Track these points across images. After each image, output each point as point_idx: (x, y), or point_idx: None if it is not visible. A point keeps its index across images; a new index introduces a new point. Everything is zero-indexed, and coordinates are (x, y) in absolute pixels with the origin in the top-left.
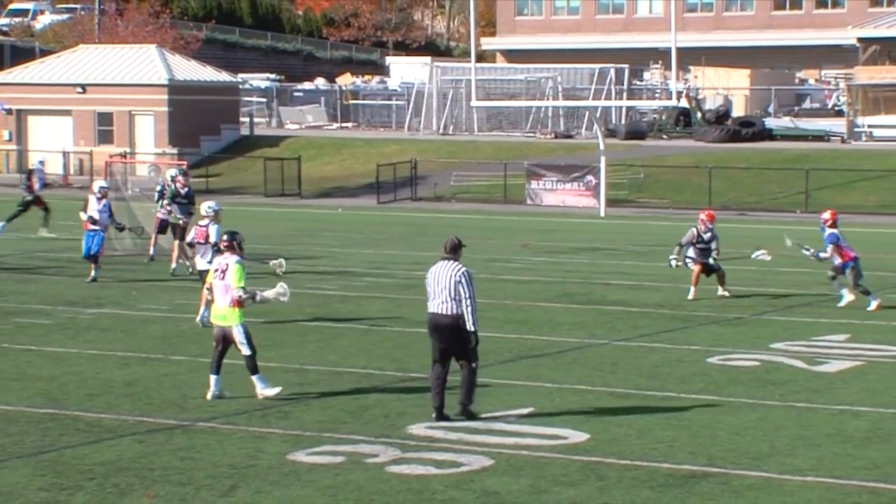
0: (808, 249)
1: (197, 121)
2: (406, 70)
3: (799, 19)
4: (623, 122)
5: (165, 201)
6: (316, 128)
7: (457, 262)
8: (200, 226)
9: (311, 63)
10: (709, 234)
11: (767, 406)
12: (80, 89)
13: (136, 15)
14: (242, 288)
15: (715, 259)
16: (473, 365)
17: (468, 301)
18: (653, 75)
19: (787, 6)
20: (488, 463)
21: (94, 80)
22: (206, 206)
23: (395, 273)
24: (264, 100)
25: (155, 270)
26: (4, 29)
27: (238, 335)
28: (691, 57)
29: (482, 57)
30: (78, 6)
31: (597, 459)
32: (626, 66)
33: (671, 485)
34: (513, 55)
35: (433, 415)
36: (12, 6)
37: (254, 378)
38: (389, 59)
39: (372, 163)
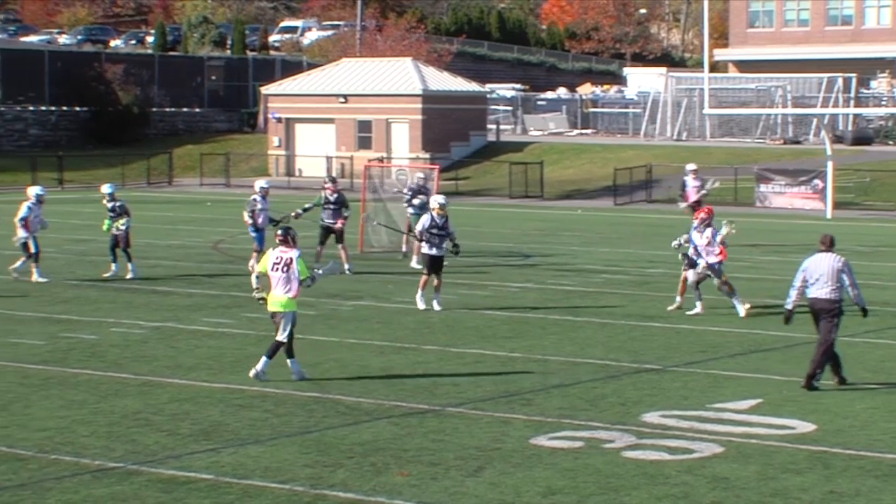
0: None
1: (448, 128)
2: (643, 80)
3: None
4: (850, 128)
5: (417, 202)
6: (557, 134)
7: (836, 254)
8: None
9: (553, 74)
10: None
11: None
12: (342, 99)
13: (394, 30)
14: (308, 277)
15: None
16: (832, 337)
17: (854, 286)
18: (880, 84)
19: None
20: (719, 450)
21: (355, 91)
22: (438, 199)
23: (630, 270)
24: (510, 108)
25: (408, 265)
26: (276, 45)
27: (285, 321)
28: None
29: (715, 67)
30: (342, 23)
31: (823, 449)
32: (853, 75)
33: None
34: (744, 65)
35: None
36: (283, 24)
37: (289, 362)
38: (627, 70)
39: (609, 167)
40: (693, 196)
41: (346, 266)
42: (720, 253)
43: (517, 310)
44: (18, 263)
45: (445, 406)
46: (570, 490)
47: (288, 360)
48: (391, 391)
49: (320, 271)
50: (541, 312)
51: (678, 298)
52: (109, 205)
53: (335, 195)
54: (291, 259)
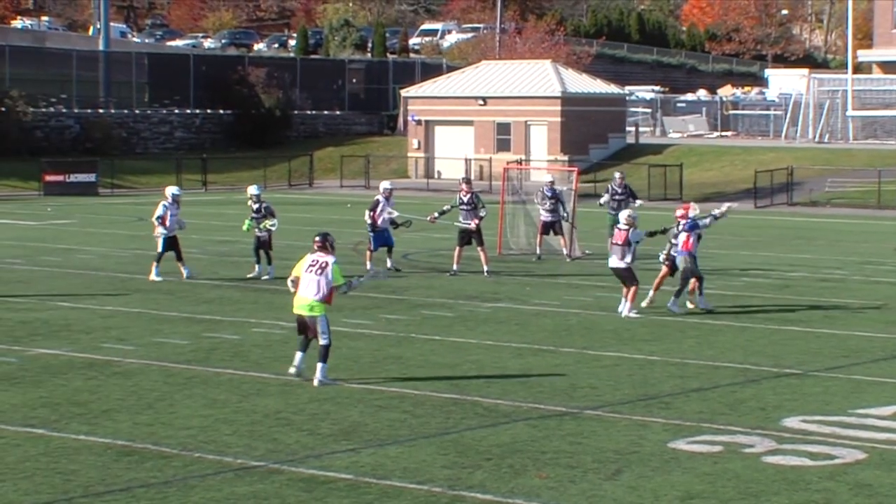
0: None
1: (587, 130)
2: (784, 81)
3: None
4: None
5: (547, 205)
6: (697, 136)
7: None
8: (620, 229)
9: (693, 75)
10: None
11: None
12: (481, 101)
13: (533, 33)
14: (344, 284)
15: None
16: None
17: None
18: None
19: None
20: (861, 456)
21: (494, 93)
22: (626, 214)
23: (771, 273)
24: (649, 110)
25: (546, 268)
26: (416, 47)
27: (321, 325)
28: None
29: (859, 68)
30: (481, 26)
31: None
32: None
33: None
34: (889, 66)
35: None
36: (423, 27)
37: (319, 364)
38: (768, 72)
39: (750, 169)
40: None
41: (486, 268)
42: (684, 244)
43: (655, 312)
44: (183, 270)
45: (583, 409)
46: (709, 495)
47: (319, 364)
48: (529, 393)
49: (363, 279)
50: (679, 315)
51: (651, 293)
52: (255, 206)
53: (468, 195)
54: (327, 263)
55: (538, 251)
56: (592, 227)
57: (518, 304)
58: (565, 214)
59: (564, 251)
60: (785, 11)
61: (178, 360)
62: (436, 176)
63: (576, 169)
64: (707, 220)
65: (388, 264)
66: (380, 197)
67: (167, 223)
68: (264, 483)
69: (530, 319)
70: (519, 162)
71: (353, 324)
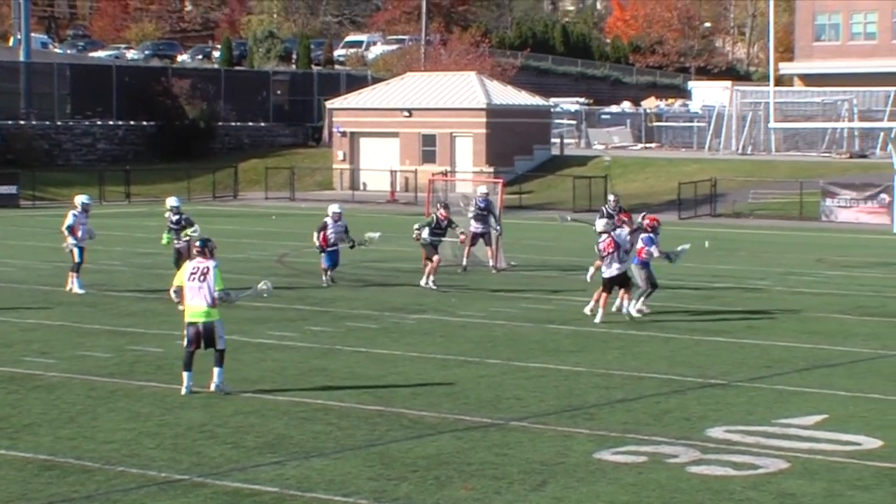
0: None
1: (512, 142)
2: (707, 94)
3: None
4: None
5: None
6: (621, 148)
7: None
8: (611, 236)
9: (617, 87)
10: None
11: None
12: (406, 113)
13: (458, 45)
14: (223, 290)
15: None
16: None
17: None
18: None
19: None
20: (784, 466)
21: (420, 105)
22: (604, 222)
23: (695, 285)
24: (574, 122)
25: (472, 279)
26: (341, 59)
27: (219, 329)
28: None
29: (780, 81)
30: (406, 37)
31: (891, 465)
32: None
33: None
34: (810, 79)
35: None
36: (348, 38)
37: (217, 370)
38: (692, 84)
39: (674, 181)
40: None
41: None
42: (638, 252)
43: (581, 324)
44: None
45: (509, 420)
46: None
47: (216, 369)
48: (454, 405)
49: (242, 294)
50: (604, 327)
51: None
52: (174, 218)
53: (445, 221)
54: (208, 268)
55: (464, 262)
56: (515, 238)
57: (444, 316)
58: (498, 228)
59: (491, 262)
60: (708, 24)
61: (101, 373)
62: (361, 188)
63: (501, 181)
64: (655, 250)
65: (324, 278)
66: (328, 219)
67: (78, 233)
68: (188, 497)
69: (456, 331)
70: (444, 173)
71: (279, 336)
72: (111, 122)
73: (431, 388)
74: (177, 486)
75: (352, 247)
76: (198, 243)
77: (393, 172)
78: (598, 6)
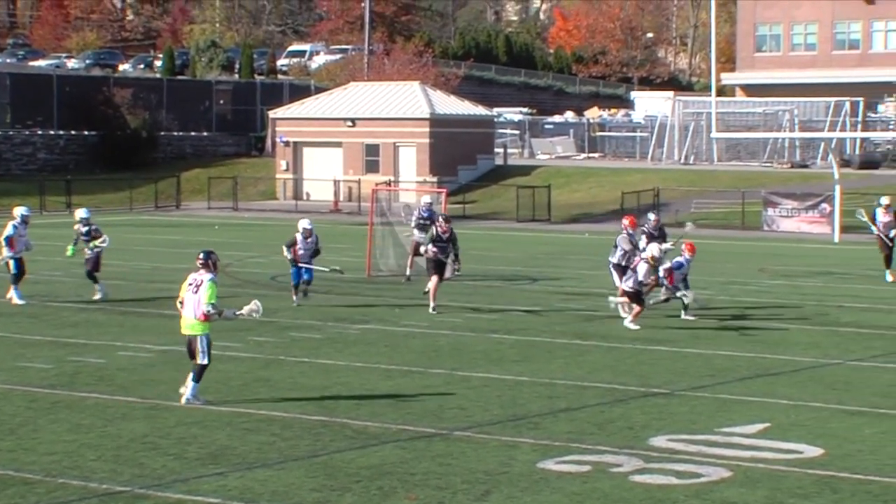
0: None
1: (455, 151)
2: (650, 104)
3: None
4: (857, 152)
5: (413, 224)
6: (565, 158)
7: None
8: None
9: (561, 97)
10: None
11: None
12: (349, 123)
13: (401, 54)
14: (212, 304)
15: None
16: None
17: None
18: (887, 108)
19: None
20: (727, 474)
21: (363, 115)
22: (656, 248)
23: None
24: (517, 132)
25: (416, 289)
26: (284, 69)
27: (200, 344)
28: None
29: (722, 91)
30: (349, 47)
31: (831, 473)
32: (860, 99)
33: None
34: (751, 89)
35: None
36: (291, 48)
37: (191, 382)
38: (634, 94)
39: (617, 190)
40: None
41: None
42: (669, 279)
43: (525, 333)
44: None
45: (453, 430)
46: None
47: (190, 381)
48: (398, 415)
49: (240, 311)
50: (548, 336)
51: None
52: (84, 229)
53: (446, 234)
54: (202, 281)
55: (408, 272)
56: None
57: (387, 326)
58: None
59: (409, 272)
60: (650, 35)
61: (42, 384)
62: (304, 197)
63: (444, 190)
64: (665, 260)
65: (295, 298)
66: (298, 235)
67: (15, 245)
68: None
69: (400, 341)
70: (388, 183)
71: (222, 346)
72: (52, 132)
73: (375, 398)
74: (118, 498)
75: (330, 270)
76: (200, 255)
77: (336, 182)
78: (542, 16)
